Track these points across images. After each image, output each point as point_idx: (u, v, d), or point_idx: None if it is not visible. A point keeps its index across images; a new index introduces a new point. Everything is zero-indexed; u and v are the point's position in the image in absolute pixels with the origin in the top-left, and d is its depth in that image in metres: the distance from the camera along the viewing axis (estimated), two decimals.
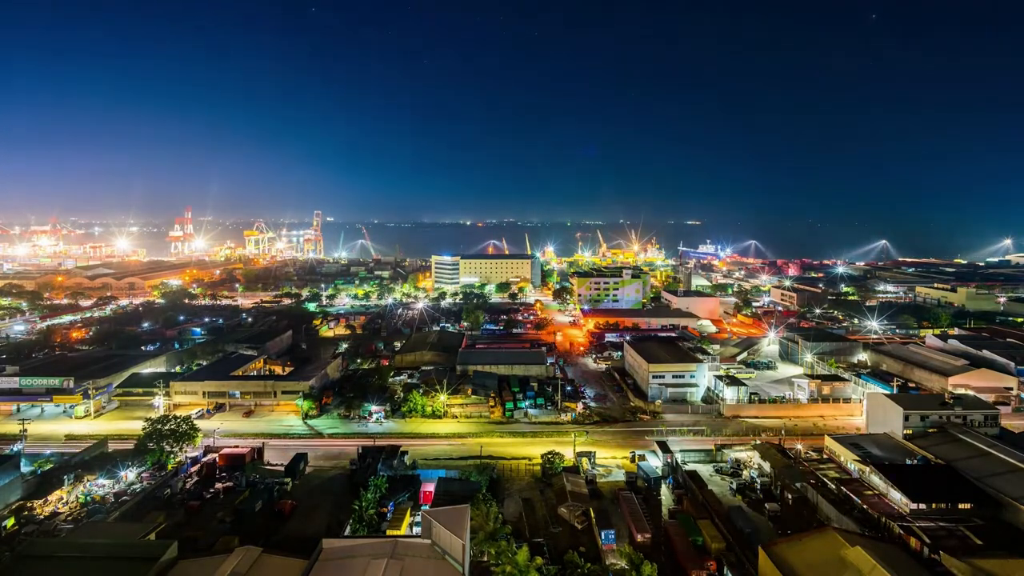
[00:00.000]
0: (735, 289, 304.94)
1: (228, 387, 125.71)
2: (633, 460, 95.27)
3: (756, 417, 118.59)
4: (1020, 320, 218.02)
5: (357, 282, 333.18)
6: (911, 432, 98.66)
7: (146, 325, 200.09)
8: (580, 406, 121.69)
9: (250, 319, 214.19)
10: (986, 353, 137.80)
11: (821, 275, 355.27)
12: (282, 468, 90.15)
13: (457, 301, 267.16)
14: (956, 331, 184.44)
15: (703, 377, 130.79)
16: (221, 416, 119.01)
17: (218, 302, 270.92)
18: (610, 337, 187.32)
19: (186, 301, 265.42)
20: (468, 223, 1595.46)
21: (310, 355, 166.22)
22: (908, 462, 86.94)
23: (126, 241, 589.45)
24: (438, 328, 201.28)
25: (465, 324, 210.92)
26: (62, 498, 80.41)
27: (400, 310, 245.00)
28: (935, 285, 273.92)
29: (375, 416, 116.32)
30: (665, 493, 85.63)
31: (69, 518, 75.48)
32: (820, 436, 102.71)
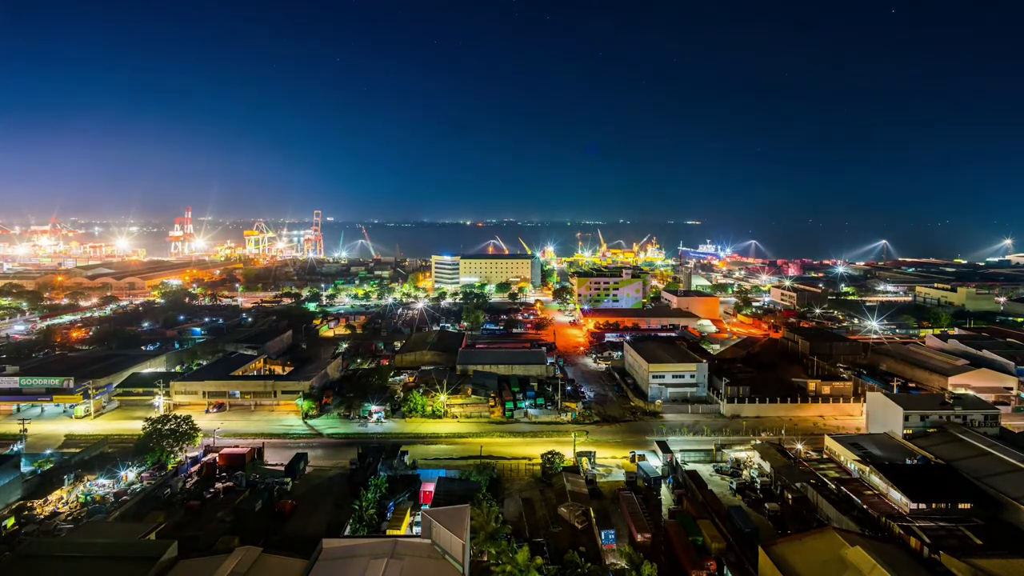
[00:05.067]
0: (735, 289, 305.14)
1: (228, 387, 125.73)
2: (633, 460, 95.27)
3: (756, 417, 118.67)
4: (1020, 320, 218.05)
5: (357, 282, 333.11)
6: (911, 432, 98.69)
7: (146, 325, 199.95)
8: (580, 406, 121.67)
9: (250, 319, 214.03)
10: (986, 353, 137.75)
11: (821, 275, 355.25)
12: (282, 468, 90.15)
13: (457, 301, 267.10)
14: (956, 331, 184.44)
15: (703, 377, 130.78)
16: (221, 415, 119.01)
17: (218, 302, 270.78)
18: (610, 337, 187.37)
19: (186, 301, 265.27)
20: (468, 223, 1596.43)
21: (310, 355, 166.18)
22: (908, 462, 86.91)
23: (126, 241, 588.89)
24: (438, 328, 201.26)
25: (465, 324, 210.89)
26: (62, 498, 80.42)
27: (400, 310, 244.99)
28: (935, 285, 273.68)
29: (375, 416, 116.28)
30: (665, 493, 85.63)
31: (69, 518, 75.45)
32: (820, 436, 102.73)
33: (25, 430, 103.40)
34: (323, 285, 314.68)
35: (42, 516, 76.02)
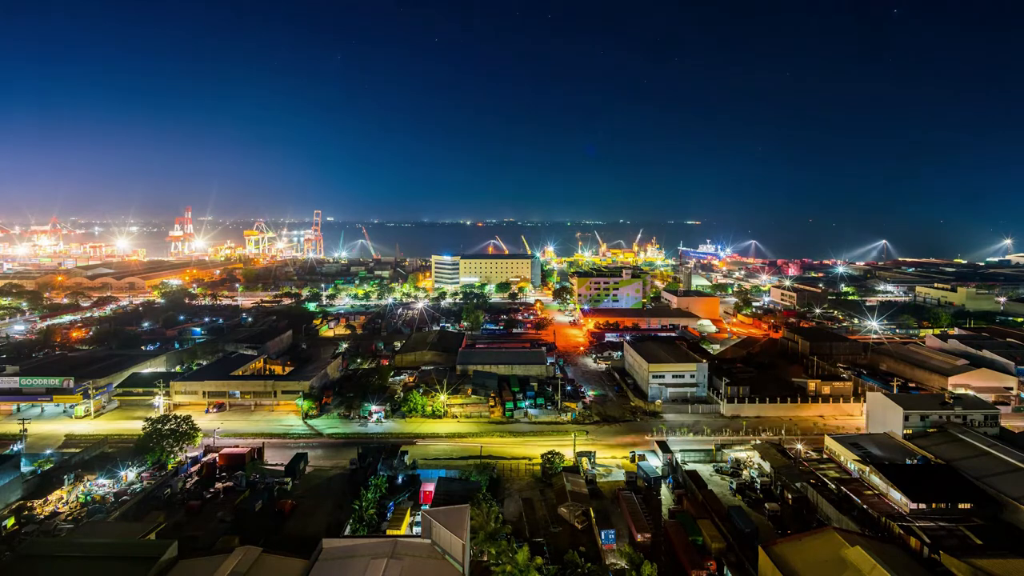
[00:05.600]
0: (735, 289, 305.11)
1: (228, 387, 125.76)
2: (633, 460, 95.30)
3: (756, 417, 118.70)
4: (1020, 320, 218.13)
5: (357, 282, 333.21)
6: (911, 432, 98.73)
7: (146, 325, 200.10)
8: (580, 406, 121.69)
9: (250, 319, 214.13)
10: (986, 353, 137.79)
11: (821, 275, 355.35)
12: (282, 468, 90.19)
13: (457, 301, 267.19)
14: (956, 331, 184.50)
15: (703, 377, 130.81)
16: (221, 416, 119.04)
17: (218, 302, 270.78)
18: (610, 337, 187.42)
19: (186, 301, 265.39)
20: (468, 223, 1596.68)
21: (310, 355, 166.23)
22: (908, 462, 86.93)
23: (126, 241, 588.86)
24: (438, 328, 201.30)
25: (465, 324, 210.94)
26: (62, 498, 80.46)
27: (400, 310, 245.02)
28: (935, 285, 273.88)
29: (375, 416, 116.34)
30: (665, 493, 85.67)
31: (69, 518, 75.48)
32: (820, 436, 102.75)
33: (25, 430, 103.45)
34: (323, 285, 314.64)
35: (42, 516, 76.04)
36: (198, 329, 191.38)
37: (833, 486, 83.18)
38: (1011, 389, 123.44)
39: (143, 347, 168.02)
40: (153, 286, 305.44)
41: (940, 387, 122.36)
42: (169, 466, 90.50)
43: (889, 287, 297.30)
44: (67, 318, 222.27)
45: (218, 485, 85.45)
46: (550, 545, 70.41)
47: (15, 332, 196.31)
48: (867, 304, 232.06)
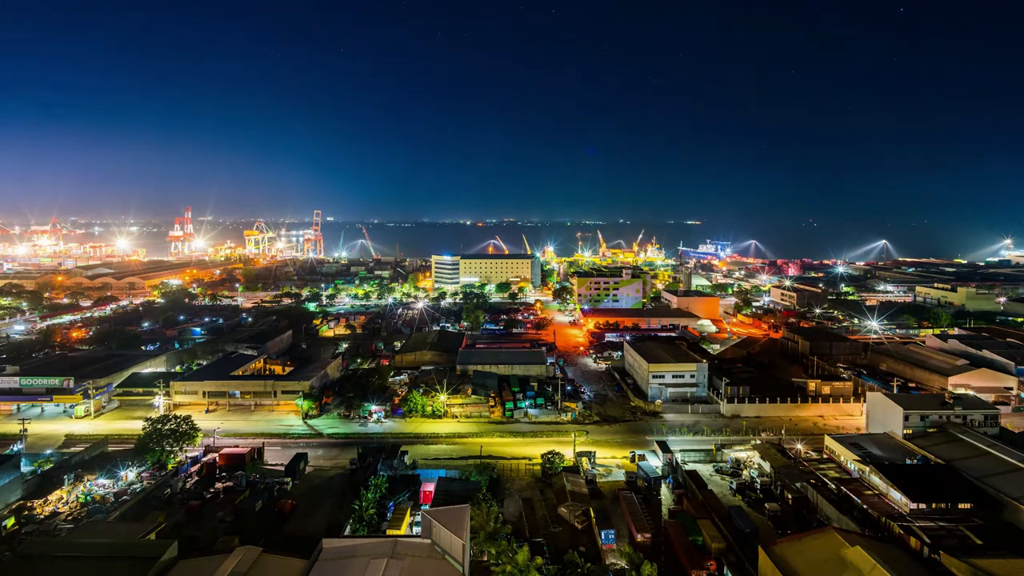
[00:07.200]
0: (735, 289, 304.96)
1: (228, 387, 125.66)
2: (633, 460, 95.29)
3: (756, 417, 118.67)
4: (1020, 320, 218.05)
5: (357, 282, 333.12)
6: (911, 432, 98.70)
7: (146, 325, 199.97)
8: (580, 406, 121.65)
9: (250, 319, 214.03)
10: (986, 353, 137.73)
11: (821, 275, 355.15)
12: (282, 468, 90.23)
13: (457, 301, 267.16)
14: (956, 331, 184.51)
15: (703, 377, 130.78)
16: (221, 415, 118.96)
17: (218, 302, 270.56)
18: (610, 337, 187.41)
19: (186, 301, 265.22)
20: (468, 223, 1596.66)
21: (310, 355, 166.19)
22: (908, 462, 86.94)
23: (126, 241, 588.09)
24: (438, 328, 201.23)
25: (465, 324, 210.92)
26: (62, 498, 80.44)
27: (400, 310, 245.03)
28: (935, 285, 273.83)
29: (375, 416, 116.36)
30: (665, 493, 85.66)
31: (69, 518, 75.45)
32: (820, 436, 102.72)
33: (25, 430, 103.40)
34: (323, 285, 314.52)
35: (42, 516, 76.01)
36: (198, 329, 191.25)
37: (833, 486, 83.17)
38: (1011, 389, 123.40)
39: (143, 347, 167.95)
40: (153, 286, 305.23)
41: (940, 387, 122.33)
42: (169, 466, 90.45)
43: (889, 287, 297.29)
44: (67, 318, 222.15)
45: (218, 485, 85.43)
46: (550, 545, 70.40)
47: (15, 332, 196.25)
48: (867, 304, 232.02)
